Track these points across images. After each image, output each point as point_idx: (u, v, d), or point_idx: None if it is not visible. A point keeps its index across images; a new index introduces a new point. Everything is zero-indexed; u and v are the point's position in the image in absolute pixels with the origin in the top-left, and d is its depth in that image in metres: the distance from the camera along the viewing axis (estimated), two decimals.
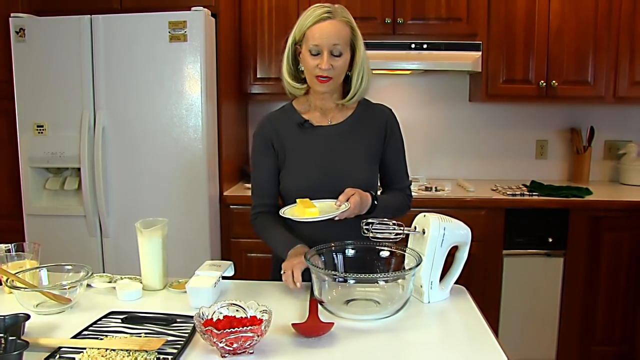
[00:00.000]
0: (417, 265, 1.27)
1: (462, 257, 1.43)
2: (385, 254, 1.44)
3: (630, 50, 2.92)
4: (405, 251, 1.40)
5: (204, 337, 1.07)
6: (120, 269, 2.71)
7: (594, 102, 3.06)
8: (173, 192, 2.66)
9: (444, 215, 1.39)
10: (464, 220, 1.44)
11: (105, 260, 2.75)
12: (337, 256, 1.44)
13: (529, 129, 3.38)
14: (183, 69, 2.56)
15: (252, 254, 2.85)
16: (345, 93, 1.63)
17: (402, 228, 1.36)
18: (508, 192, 2.86)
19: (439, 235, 1.34)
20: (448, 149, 3.43)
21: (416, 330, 1.24)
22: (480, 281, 2.74)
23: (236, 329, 1.04)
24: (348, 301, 1.33)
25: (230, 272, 1.52)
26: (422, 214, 1.40)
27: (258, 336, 1.07)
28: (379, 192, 1.64)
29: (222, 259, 2.97)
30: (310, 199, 1.46)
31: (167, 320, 1.26)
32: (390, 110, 1.71)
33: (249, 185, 3.04)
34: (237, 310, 1.18)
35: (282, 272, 1.44)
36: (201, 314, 1.14)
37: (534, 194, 2.84)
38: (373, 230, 1.33)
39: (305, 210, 1.41)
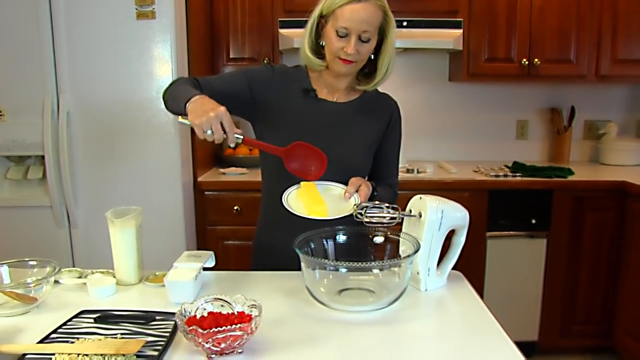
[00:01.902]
0: (415, 252, 1.18)
1: (460, 241, 1.34)
2: (379, 239, 1.35)
3: (612, 29, 2.87)
4: (400, 236, 1.31)
5: (187, 337, 0.97)
6: (92, 261, 2.58)
7: (576, 81, 3.01)
8: (145, 179, 2.52)
9: (440, 197, 1.30)
10: None
11: (75, 253, 2.61)
12: (327, 243, 1.34)
13: (510, 109, 3.33)
14: (152, 49, 2.42)
15: (229, 242, 2.74)
16: (362, 75, 1.56)
17: (397, 212, 1.26)
18: (491, 174, 2.80)
19: (436, 219, 1.26)
20: (428, 130, 3.36)
21: (415, 321, 1.16)
22: (464, 263, 2.63)
23: (223, 327, 0.94)
24: (341, 291, 1.24)
25: (211, 263, 1.42)
26: (418, 196, 1.31)
27: (248, 334, 0.97)
28: None
29: (198, 248, 2.87)
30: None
31: (145, 318, 1.15)
32: (396, 103, 1.64)
33: (224, 170, 2.98)
34: (222, 306, 1.08)
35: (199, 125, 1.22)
36: (183, 312, 1.03)
37: (517, 174, 2.79)
38: (367, 215, 1.24)
39: (312, 208, 1.30)
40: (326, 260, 1.17)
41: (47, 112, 2.44)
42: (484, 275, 2.80)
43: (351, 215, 1.27)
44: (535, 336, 2.88)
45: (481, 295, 2.80)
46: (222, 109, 1.23)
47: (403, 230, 1.34)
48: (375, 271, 1.29)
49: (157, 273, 1.41)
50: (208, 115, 1.21)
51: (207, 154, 3.01)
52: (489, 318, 1.18)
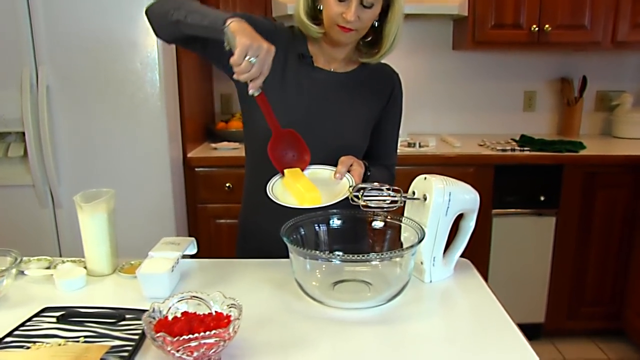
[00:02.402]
0: (420, 241, 1.04)
1: (469, 226, 1.21)
2: (378, 224, 1.21)
3: None
4: (402, 222, 1.17)
5: (155, 344, 0.83)
6: (78, 242, 2.42)
7: (589, 48, 2.83)
8: (131, 155, 2.38)
9: (447, 177, 1.16)
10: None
11: (60, 233, 2.48)
12: (319, 228, 1.20)
13: (517, 79, 3.16)
14: (136, 18, 2.24)
15: (221, 220, 2.61)
16: (364, 44, 1.41)
17: (399, 194, 1.12)
18: (497, 148, 2.66)
19: (443, 203, 1.12)
20: (430, 101, 3.20)
21: (418, 319, 1.02)
22: (468, 242, 2.55)
23: (196, 334, 0.80)
24: (335, 283, 1.11)
25: (193, 250, 1.29)
26: (422, 176, 1.17)
27: (225, 341, 0.84)
28: None
29: (189, 227, 2.75)
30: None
31: (114, 316, 1.02)
32: (398, 75, 1.49)
33: (216, 145, 2.83)
34: (198, 304, 0.94)
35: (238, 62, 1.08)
36: (153, 312, 0.90)
37: (525, 149, 2.64)
38: (364, 198, 1.09)
39: (304, 196, 1.15)
40: (317, 252, 1.02)
41: (25, 86, 2.28)
42: (489, 254, 2.68)
43: (347, 199, 1.13)
44: (541, 318, 2.77)
45: (486, 276, 2.72)
46: (273, 47, 1.11)
47: (405, 214, 1.20)
48: (374, 262, 1.15)
49: (132, 262, 1.27)
50: (260, 44, 1.08)
51: (198, 127, 2.86)
52: (501, 313, 1.04)
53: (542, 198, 2.61)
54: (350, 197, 1.11)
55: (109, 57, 2.28)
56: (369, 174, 1.32)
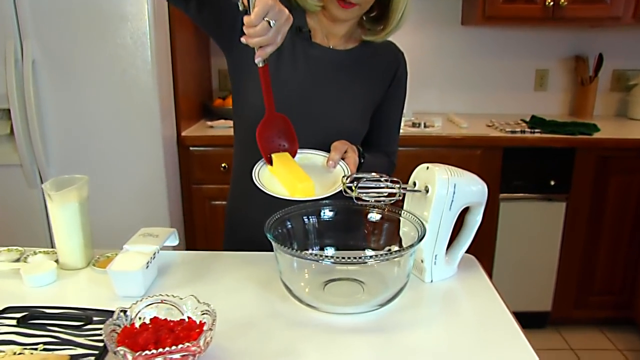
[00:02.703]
0: (420, 239, 0.93)
1: (475, 221, 1.09)
2: (375, 217, 1.11)
3: None
4: (401, 215, 1.06)
5: (116, 358, 0.74)
6: None
7: (607, 24, 2.68)
8: (121, 134, 2.27)
9: (452, 167, 1.04)
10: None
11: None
12: (309, 220, 1.09)
13: (528, 56, 3.02)
14: None
15: (217, 202, 2.51)
16: (368, 20, 1.29)
17: (397, 185, 1.01)
18: (506, 129, 2.53)
19: (447, 195, 1.00)
20: (437, 79, 3.06)
21: (418, 327, 0.92)
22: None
23: (160, 350, 0.70)
24: (327, 282, 1.00)
25: (174, 242, 1.18)
26: (424, 165, 1.05)
27: (194, 356, 0.74)
28: None
29: (183, 209, 2.65)
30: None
31: (80, 319, 0.92)
32: (403, 54, 1.36)
33: (212, 123, 2.72)
34: (170, 309, 0.84)
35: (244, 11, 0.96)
36: (117, 319, 0.80)
37: (535, 131, 2.51)
38: (359, 190, 0.98)
39: (296, 186, 1.03)
40: (306, 252, 0.89)
41: (9, 61, 2.16)
42: (495, 240, 2.57)
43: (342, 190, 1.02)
44: (548, 306, 2.68)
45: (491, 262, 2.62)
46: (291, 17, 1.00)
47: (405, 206, 1.09)
48: (371, 263, 1.05)
49: (109, 254, 1.17)
50: (282, 8, 0.97)
51: (193, 105, 2.74)
52: (508, 320, 0.94)
53: (552, 183, 2.49)
54: (343, 188, 1.00)
55: (98, 31, 2.16)
56: (362, 161, 1.20)
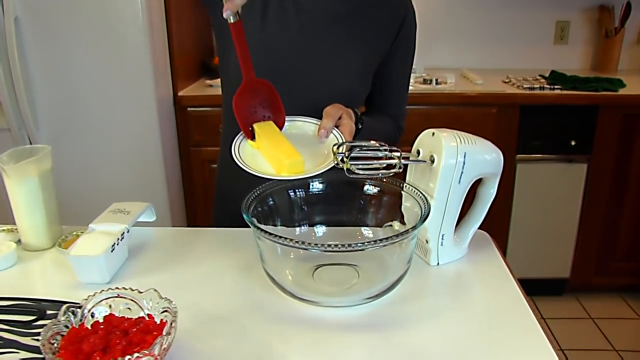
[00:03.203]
0: (424, 219, 0.79)
1: (489, 194, 0.95)
2: (372, 189, 0.97)
3: None
4: (403, 189, 0.92)
5: None
6: (60, 187, 2.25)
7: None
8: (113, 95, 2.14)
9: (462, 133, 0.89)
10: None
11: None
12: (296, 195, 0.96)
13: (548, 7, 2.81)
14: None
15: (216, 165, 2.38)
16: None
17: (398, 154, 0.86)
18: (524, 86, 2.35)
19: (455, 166, 0.86)
20: (450, 32, 2.87)
21: (421, 322, 0.79)
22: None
23: None
24: (316, 267, 0.87)
25: (150, 217, 1.06)
26: (429, 131, 0.90)
27: None
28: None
29: (182, 172, 2.53)
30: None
31: (32, 312, 0.80)
32: (411, 2, 1.19)
33: (211, 82, 2.57)
34: (128, 307, 0.72)
35: None
36: (62, 318, 0.67)
37: (555, 87, 2.33)
38: (351, 162, 0.84)
39: (282, 162, 0.87)
40: (290, 240, 0.75)
41: None
42: (511, 204, 2.43)
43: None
44: (566, 273, 2.54)
45: (507, 228, 2.49)
46: None
47: (408, 178, 0.95)
48: (366, 233, 0.92)
49: (78, 232, 1.05)
50: None
51: (191, 63, 2.59)
52: (526, 313, 0.80)
53: (572, 143, 2.33)
54: (335, 161, 0.85)
55: None
56: (360, 126, 1.06)
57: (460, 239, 0.95)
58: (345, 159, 0.82)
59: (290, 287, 0.81)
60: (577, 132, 2.32)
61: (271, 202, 0.90)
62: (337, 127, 0.96)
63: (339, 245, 0.71)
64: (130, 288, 0.73)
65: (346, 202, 0.98)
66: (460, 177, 0.87)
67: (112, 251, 0.89)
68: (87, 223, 0.98)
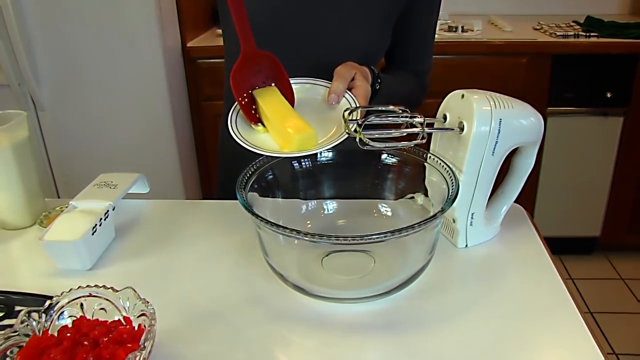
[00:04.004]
0: (452, 200, 0.67)
1: (526, 165, 0.82)
2: (391, 159, 0.84)
3: None
4: (426, 159, 0.79)
5: None
6: (65, 148, 2.18)
7: None
8: (116, 45, 2.01)
9: (496, 94, 0.75)
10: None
11: (46, 137, 2.18)
12: (301, 166, 0.84)
13: None
14: None
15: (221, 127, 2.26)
16: None
17: (421, 121, 0.73)
18: (557, 33, 2.16)
19: (490, 134, 0.73)
20: None
21: (447, 319, 0.67)
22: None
23: None
24: (327, 255, 0.76)
25: (143, 189, 0.95)
26: (458, 92, 0.76)
27: None
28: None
29: (193, 127, 2.41)
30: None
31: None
32: None
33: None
34: (102, 307, 0.61)
35: None
36: (21, 327, 0.57)
37: (591, 34, 2.14)
38: (365, 131, 0.71)
39: (290, 137, 0.73)
40: (292, 231, 0.61)
41: None
42: (540, 158, 2.27)
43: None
44: (597, 231, 2.41)
45: (535, 183, 2.34)
46: None
47: (432, 148, 0.81)
48: (385, 210, 0.80)
49: (63, 207, 0.94)
50: None
51: (201, 10, 2.43)
52: (568, 304, 0.68)
53: (608, 95, 2.15)
54: (346, 130, 0.72)
55: None
56: (377, 87, 0.92)
57: (492, 217, 0.82)
58: (357, 128, 0.69)
59: (296, 279, 0.70)
60: (613, 83, 2.14)
61: (271, 177, 0.78)
62: (349, 89, 0.83)
63: (350, 239, 0.59)
64: (105, 286, 0.62)
65: (359, 173, 0.86)
66: (494, 148, 0.73)
67: (93, 234, 0.78)
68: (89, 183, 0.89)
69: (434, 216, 0.63)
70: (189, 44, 2.22)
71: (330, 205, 0.85)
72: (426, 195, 0.82)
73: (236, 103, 0.80)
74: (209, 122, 2.31)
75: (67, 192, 2.17)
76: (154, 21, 1.98)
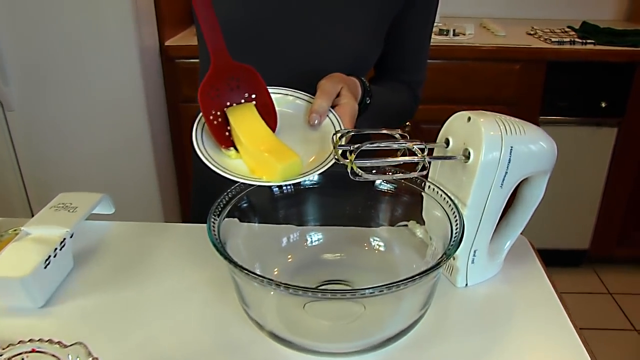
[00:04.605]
0: (457, 244, 0.58)
1: (535, 197, 0.74)
2: (384, 186, 0.76)
3: None
4: (424, 188, 0.71)
5: None
6: (38, 150, 2.06)
7: None
8: (90, 44, 1.89)
9: (505, 117, 0.67)
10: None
11: (15, 139, 2.06)
12: (282, 192, 0.74)
13: None
14: None
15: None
16: None
17: (422, 147, 0.64)
18: (552, 39, 2.09)
19: (499, 165, 0.64)
20: None
21: None
22: None
23: None
24: (318, 287, 0.67)
25: (107, 210, 0.85)
26: (463, 114, 0.68)
27: None
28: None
29: (171, 130, 2.31)
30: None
31: None
32: None
33: None
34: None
35: None
36: None
37: (587, 41, 2.07)
38: (357, 162, 0.62)
39: (271, 164, 0.63)
40: (264, 280, 0.52)
41: None
42: None
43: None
44: (585, 244, 2.35)
45: None
46: None
47: (431, 175, 0.73)
48: (377, 243, 0.71)
49: (18, 229, 0.84)
50: None
51: (179, 7, 2.32)
52: (581, 352, 0.60)
53: (603, 104, 2.09)
54: (334, 156, 0.64)
55: None
56: (368, 100, 0.83)
57: (495, 253, 0.74)
58: (350, 159, 0.60)
59: (274, 328, 0.61)
60: (609, 92, 2.08)
61: (246, 204, 0.68)
62: (334, 106, 0.74)
63: (339, 294, 0.50)
64: (51, 340, 0.52)
65: (347, 199, 0.77)
66: (503, 179, 0.65)
67: (46, 267, 0.68)
68: (61, 190, 0.79)
69: (437, 264, 0.54)
70: (167, 43, 2.11)
71: (315, 237, 0.76)
72: (420, 222, 0.73)
73: (200, 115, 0.71)
74: (187, 124, 2.19)
75: (38, 196, 2.06)
76: (129, 18, 1.87)
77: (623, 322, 2.16)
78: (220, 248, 0.56)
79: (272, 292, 0.62)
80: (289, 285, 0.51)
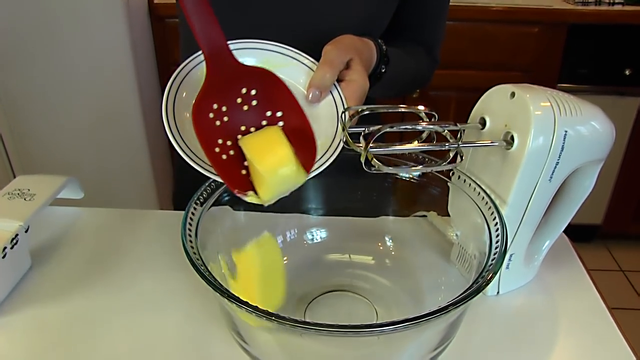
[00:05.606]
0: (501, 257, 0.46)
1: (584, 189, 0.61)
2: (406, 174, 0.63)
3: None
4: (450, 177, 0.58)
5: None
6: (16, 123, 1.91)
7: None
8: (72, 6, 1.73)
9: (558, 93, 0.54)
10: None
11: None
12: None
13: None
14: None
15: None
16: None
17: (456, 129, 0.51)
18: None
19: (550, 152, 0.51)
20: None
21: None
22: None
23: None
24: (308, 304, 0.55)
25: (76, 195, 0.73)
26: (505, 87, 0.54)
27: None
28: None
29: (162, 92, 2.15)
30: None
31: None
32: None
33: None
34: None
35: None
36: None
37: (616, 2, 1.91)
38: (372, 150, 0.48)
39: (267, 162, 0.49)
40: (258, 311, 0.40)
41: None
42: None
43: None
44: (599, 219, 2.24)
45: None
46: None
47: (460, 164, 0.60)
48: (390, 237, 0.60)
49: None
50: None
51: None
52: None
53: (627, 72, 1.95)
54: (343, 139, 0.51)
55: None
56: (383, 68, 0.69)
57: (531, 255, 0.62)
58: (364, 147, 0.47)
59: (265, 355, 0.49)
60: (634, 59, 1.93)
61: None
62: (340, 81, 0.59)
63: (351, 331, 0.38)
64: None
65: (355, 184, 0.64)
66: (553, 171, 0.52)
67: (3, 257, 0.56)
68: (50, 168, 0.67)
69: (479, 287, 0.42)
70: (156, 0, 1.95)
71: (317, 232, 0.64)
72: (442, 213, 0.61)
73: (171, 82, 0.55)
74: None
75: (22, 168, 1.93)
76: None
77: (636, 301, 2.07)
78: (188, 251, 0.43)
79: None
80: (281, 320, 0.38)
